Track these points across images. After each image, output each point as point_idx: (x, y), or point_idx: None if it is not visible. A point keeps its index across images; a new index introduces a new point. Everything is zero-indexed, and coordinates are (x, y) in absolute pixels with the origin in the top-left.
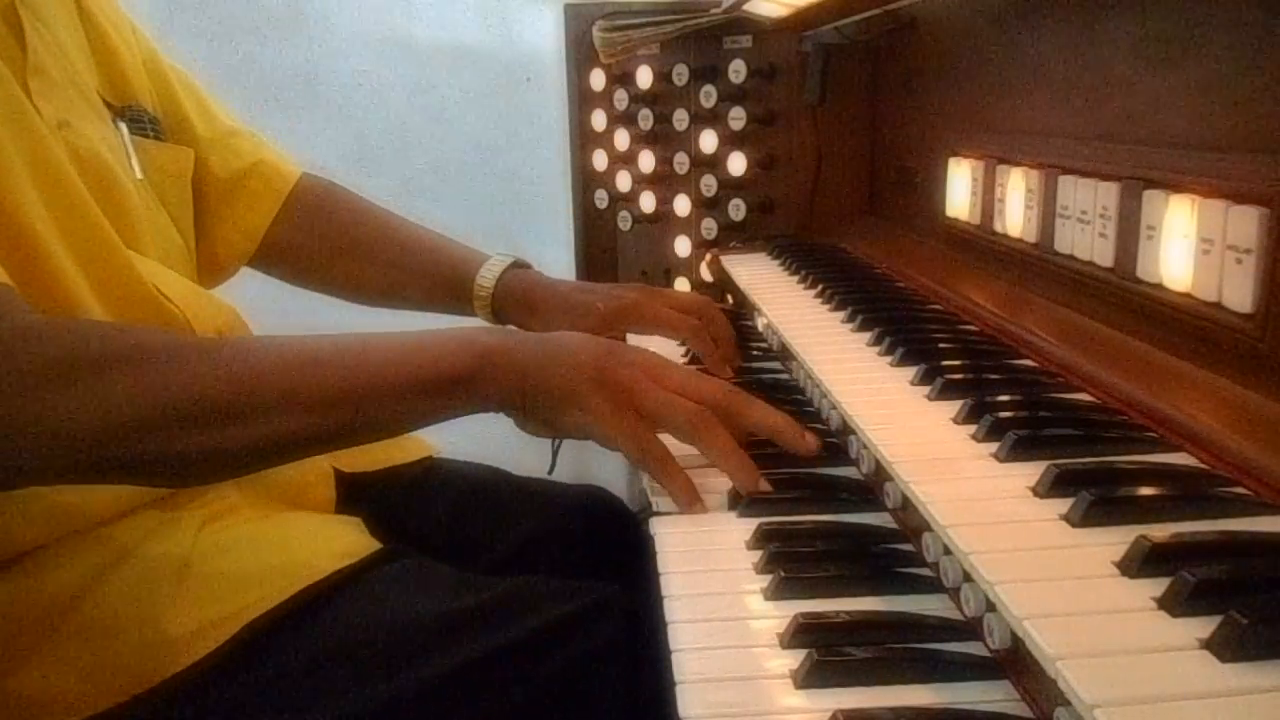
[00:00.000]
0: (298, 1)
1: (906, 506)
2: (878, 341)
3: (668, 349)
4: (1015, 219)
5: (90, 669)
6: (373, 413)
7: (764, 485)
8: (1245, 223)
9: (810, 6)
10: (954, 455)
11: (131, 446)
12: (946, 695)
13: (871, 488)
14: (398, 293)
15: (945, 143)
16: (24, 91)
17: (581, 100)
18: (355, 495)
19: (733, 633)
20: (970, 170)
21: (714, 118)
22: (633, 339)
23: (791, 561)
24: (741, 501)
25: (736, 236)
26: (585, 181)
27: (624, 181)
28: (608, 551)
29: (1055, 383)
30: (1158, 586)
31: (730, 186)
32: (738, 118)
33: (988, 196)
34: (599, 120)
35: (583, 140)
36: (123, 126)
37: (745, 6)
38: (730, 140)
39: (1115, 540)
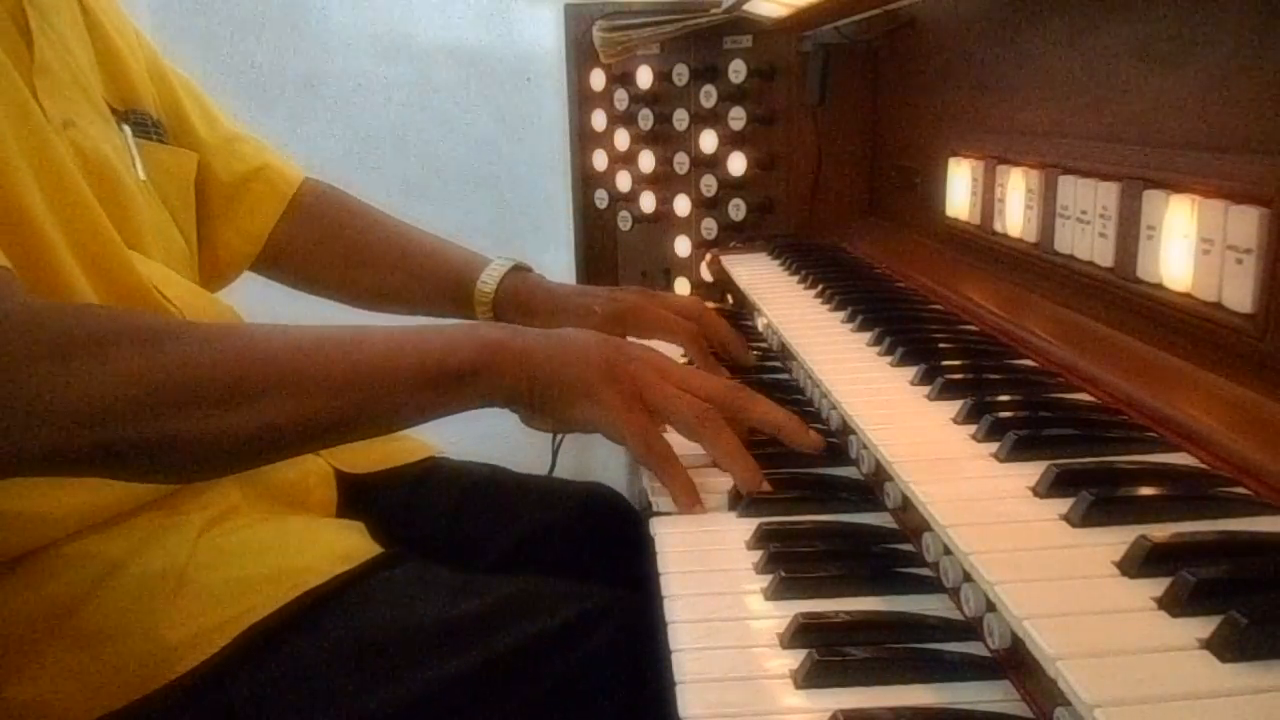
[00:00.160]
0: (298, 1)
1: (907, 506)
2: (878, 341)
3: (668, 352)
4: (1015, 219)
5: (88, 676)
6: (376, 402)
7: (764, 486)
8: (1245, 223)
9: (810, 6)
10: (954, 455)
11: (130, 427)
12: (946, 695)
13: (871, 488)
14: (399, 296)
15: (945, 143)
16: (30, 90)
17: (581, 100)
18: (357, 496)
19: (733, 633)
20: (970, 170)
21: (714, 118)
22: (632, 341)
23: (792, 561)
24: (741, 501)
25: (736, 236)
26: (585, 181)
27: (624, 181)
28: (610, 547)
29: (1055, 383)
30: (1158, 586)
31: (730, 186)
32: (738, 118)
33: (988, 196)
34: (599, 120)
35: (583, 140)
36: (126, 129)
37: (745, 6)
38: (730, 140)
39: (1115, 540)
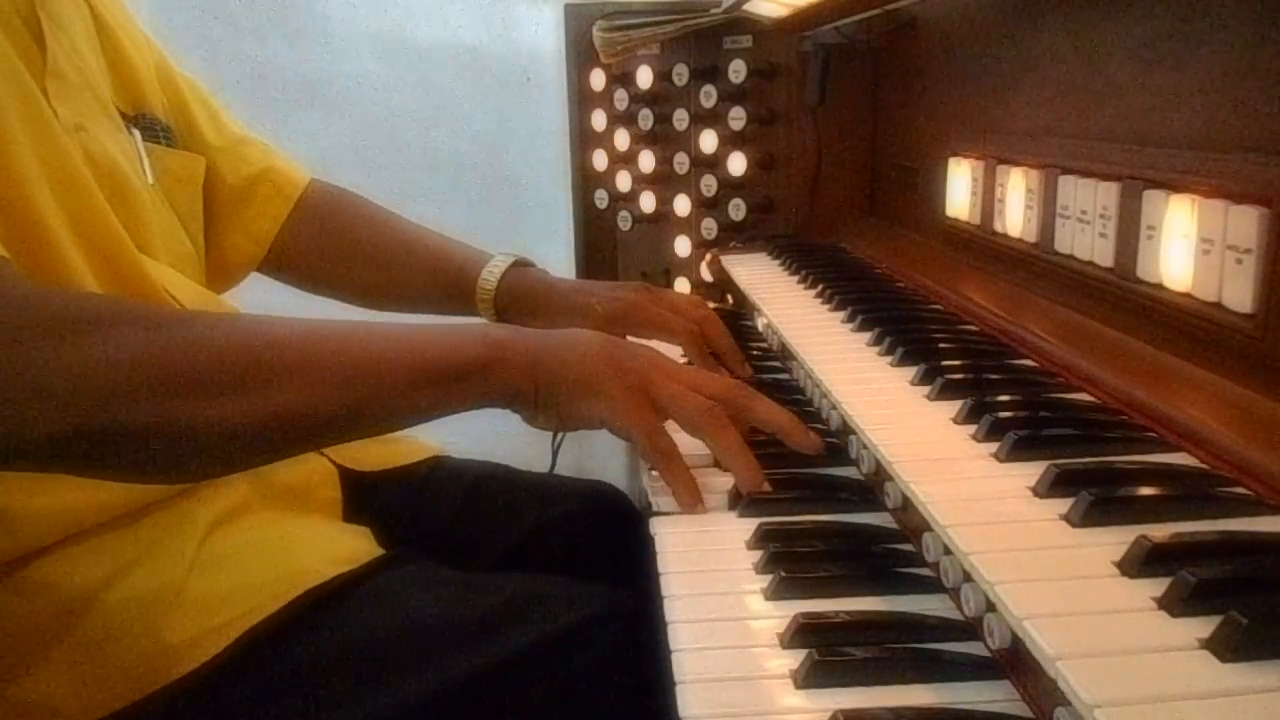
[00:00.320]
0: (298, 1)
1: (907, 506)
2: (878, 341)
3: (667, 351)
4: (1015, 219)
5: (90, 676)
6: (379, 397)
7: (765, 485)
8: (1245, 223)
9: (810, 6)
10: (954, 455)
11: (131, 411)
12: (946, 695)
13: (871, 488)
14: (403, 295)
15: (945, 143)
16: (42, 94)
17: (581, 100)
18: (362, 496)
19: (733, 633)
20: (970, 170)
21: (714, 118)
22: (632, 341)
23: (792, 561)
24: (741, 501)
25: (736, 236)
26: (585, 181)
27: (624, 181)
28: (610, 545)
29: (1055, 383)
30: (1158, 586)
31: (730, 186)
32: (738, 118)
33: (988, 196)
34: (599, 120)
35: (583, 140)
36: (135, 133)
37: (745, 6)
38: (730, 140)
39: (1115, 540)
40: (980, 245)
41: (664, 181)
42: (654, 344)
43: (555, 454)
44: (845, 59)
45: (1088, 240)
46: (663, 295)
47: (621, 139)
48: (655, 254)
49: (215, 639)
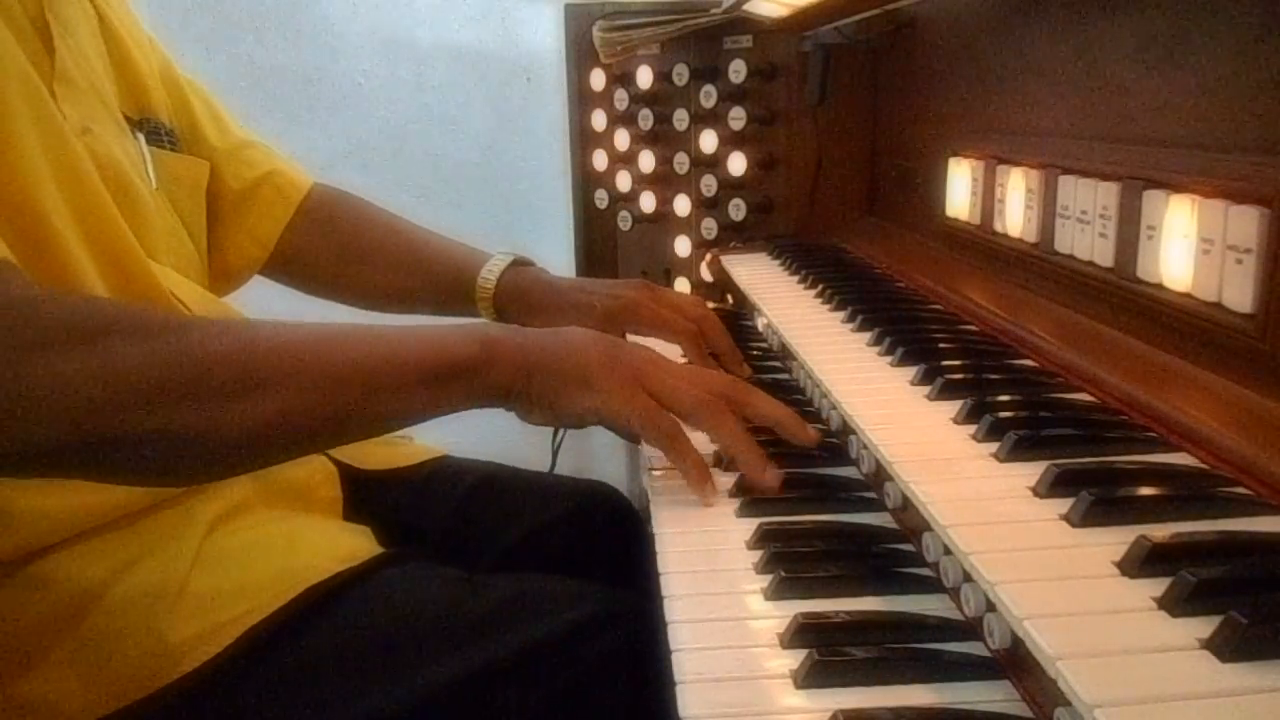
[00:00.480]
0: (298, 1)
1: (907, 506)
2: (878, 341)
3: (667, 351)
4: (1015, 219)
5: (92, 675)
6: (372, 401)
7: (773, 471)
8: (1245, 223)
9: (810, 6)
10: (954, 455)
11: (128, 420)
12: (946, 695)
13: (871, 488)
14: (404, 295)
15: (945, 143)
16: (50, 97)
17: (581, 100)
18: (363, 496)
19: (733, 633)
20: (970, 170)
21: (714, 118)
22: (632, 339)
23: (792, 561)
24: (742, 501)
25: (736, 236)
26: (585, 181)
27: (624, 181)
28: (609, 544)
29: (1055, 383)
30: (1158, 586)
31: (730, 186)
32: (738, 118)
33: (988, 196)
34: (599, 120)
35: (583, 140)
36: (140, 137)
37: (745, 6)
38: (730, 140)
39: (1115, 540)
40: (980, 245)
41: (664, 181)
42: (653, 343)
43: (555, 453)
44: (845, 59)
45: (1088, 240)
46: (663, 294)
47: (621, 139)
48: (655, 254)
49: (217, 637)
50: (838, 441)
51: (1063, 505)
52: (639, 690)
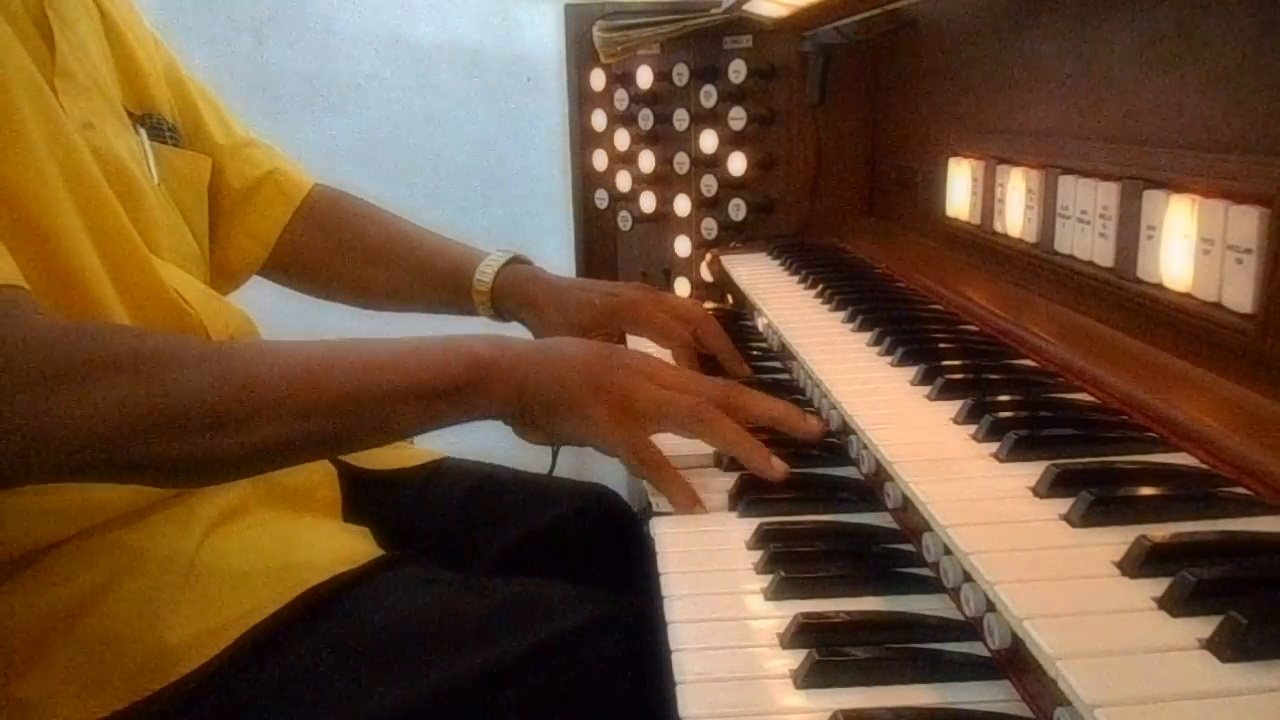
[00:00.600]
0: (298, 1)
1: (907, 506)
2: (878, 341)
3: (666, 354)
4: (1015, 219)
5: (92, 675)
6: (367, 419)
7: (778, 462)
8: (1245, 223)
9: (810, 6)
10: (954, 455)
11: (128, 450)
12: (947, 695)
13: (871, 488)
14: (403, 294)
15: (945, 143)
16: (52, 92)
17: (581, 100)
18: (362, 496)
19: (733, 633)
20: (970, 170)
21: (714, 118)
22: (631, 339)
23: (792, 561)
24: (741, 501)
25: (736, 236)
26: (585, 181)
27: (624, 181)
28: (609, 547)
29: (1055, 383)
30: (1158, 586)
31: (730, 186)
32: (738, 118)
33: (988, 196)
34: (599, 120)
35: (583, 140)
36: (142, 132)
37: (745, 6)
38: (730, 140)
39: (1115, 540)
40: (980, 245)
41: (664, 181)
42: (648, 346)
43: (554, 457)
44: (845, 59)
45: (1088, 240)
46: (661, 297)
47: (621, 139)
48: (655, 254)
49: (215, 639)
50: (838, 441)
51: (1063, 505)
52: (639, 694)
